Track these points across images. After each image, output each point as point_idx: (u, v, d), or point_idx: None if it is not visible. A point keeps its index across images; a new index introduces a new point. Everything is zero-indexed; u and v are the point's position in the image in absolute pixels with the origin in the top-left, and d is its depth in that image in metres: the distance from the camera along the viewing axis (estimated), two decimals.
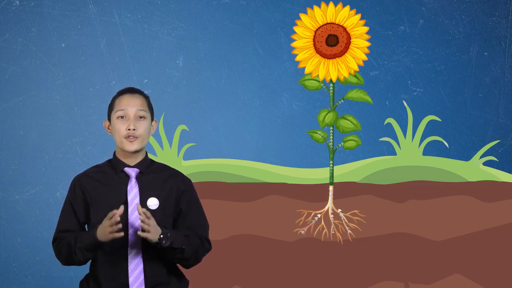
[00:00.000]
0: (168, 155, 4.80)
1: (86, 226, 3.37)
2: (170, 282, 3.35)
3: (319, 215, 4.56)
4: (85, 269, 3.39)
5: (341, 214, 4.55)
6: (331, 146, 4.48)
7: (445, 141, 4.98)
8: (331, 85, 4.43)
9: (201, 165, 4.89)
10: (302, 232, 4.55)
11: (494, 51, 5.02)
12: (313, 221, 4.55)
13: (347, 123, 4.43)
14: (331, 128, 4.47)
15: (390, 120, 4.96)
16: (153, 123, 3.36)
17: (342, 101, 4.47)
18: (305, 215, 4.57)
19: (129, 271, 3.26)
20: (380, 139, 4.99)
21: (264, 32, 4.94)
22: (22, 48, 4.84)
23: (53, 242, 3.35)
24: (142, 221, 3.14)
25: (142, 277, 3.27)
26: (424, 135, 4.94)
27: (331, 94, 4.43)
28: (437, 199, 4.79)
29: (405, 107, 4.95)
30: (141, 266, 3.27)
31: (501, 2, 5.02)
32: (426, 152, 4.96)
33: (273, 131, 4.95)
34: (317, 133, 4.46)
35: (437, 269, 4.58)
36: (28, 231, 4.81)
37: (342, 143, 4.48)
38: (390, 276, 4.53)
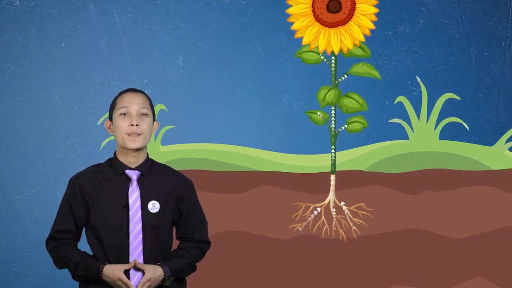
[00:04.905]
0: None
1: (84, 227, 3.38)
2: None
3: (319, 209, 4.26)
4: None
5: (345, 208, 4.23)
6: (332, 129, 4.06)
7: (465, 123, 4.69)
8: (333, 58, 3.96)
9: (181, 150, 4.61)
10: (299, 228, 4.31)
11: (494, 51, 5.02)
12: (312, 216, 4.30)
13: (352, 102, 3.94)
14: (333, 108, 4.04)
15: (401, 98, 4.69)
16: (155, 123, 3.38)
17: (346, 76, 4.05)
18: (302, 209, 4.24)
19: (130, 274, 3.27)
20: (390, 121, 4.84)
21: (264, 32, 4.95)
22: (22, 48, 4.85)
23: (49, 240, 3.37)
24: None
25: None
26: (441, 116, 4.72)
27: (332, 69, 3.96)
28: (456, 190, 4.36)
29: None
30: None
31: (501, 2, 5.02)
32: (443, 135, 4.71)
33: (273, 131, 4.95)
34: (317, 114, 4.06)
35: (456, 272, 4.20)
36: (28, 231, 4.82)
37: (346, 126, 4.07)
38: (401, 279, 4.16)
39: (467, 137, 4.74)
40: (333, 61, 4.02)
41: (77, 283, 3.40)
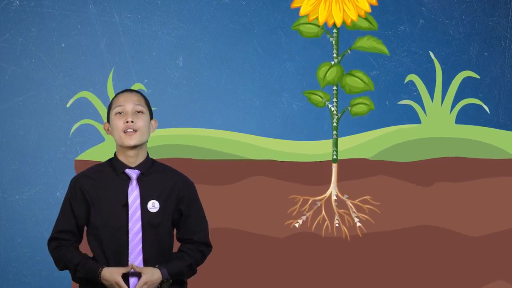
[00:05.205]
0: None
1: (85, 227, 3.40)
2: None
3: (318, 203, 3.95)
4: None
5: (348, 202, 3.98)
6: (334, 112, 3.78)
7: (485, 104, 4.30)
8: (335, 31, 3.71)
9: (162, 136, 4.28)
10: (297, 225, 4.08)
11: (494, 51, 5.03)
12: (311, 211, 4.09)
13: (356, 81, 3.60)
14: (335, 87, 3.76)
15: (412, 77, 4.33)
16: (153, 121, 3.41)
17: (349, 52, 3.73)
18: (300, 202, 3.90)
19: (129, 277, 3.29)
20: (399, 102, 4.48)
21: (264, 32, 4.96)
22: (22, 48, 4.87)
23: (50, 241, 3.40)
24: None
25: None
26: (458, 97, 4.36)
27: (334, 43, 3.66)
28: (474, 181, 3.99)
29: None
30: None
31: (501, 2, 5.03)
32: (459, 119, 4.37)
33: (273, 131, 4.95)
34: (316, 94, 3.77)
35: (474, 274, 3.87)
36: (28, 231, 4.84)
37: (349, 108, 3.75)
38: (412, 282, 3.90)
39: (487, 121, 4.40)
40: (334, 35, 3.70)
41: (77, 284, 3.42)
